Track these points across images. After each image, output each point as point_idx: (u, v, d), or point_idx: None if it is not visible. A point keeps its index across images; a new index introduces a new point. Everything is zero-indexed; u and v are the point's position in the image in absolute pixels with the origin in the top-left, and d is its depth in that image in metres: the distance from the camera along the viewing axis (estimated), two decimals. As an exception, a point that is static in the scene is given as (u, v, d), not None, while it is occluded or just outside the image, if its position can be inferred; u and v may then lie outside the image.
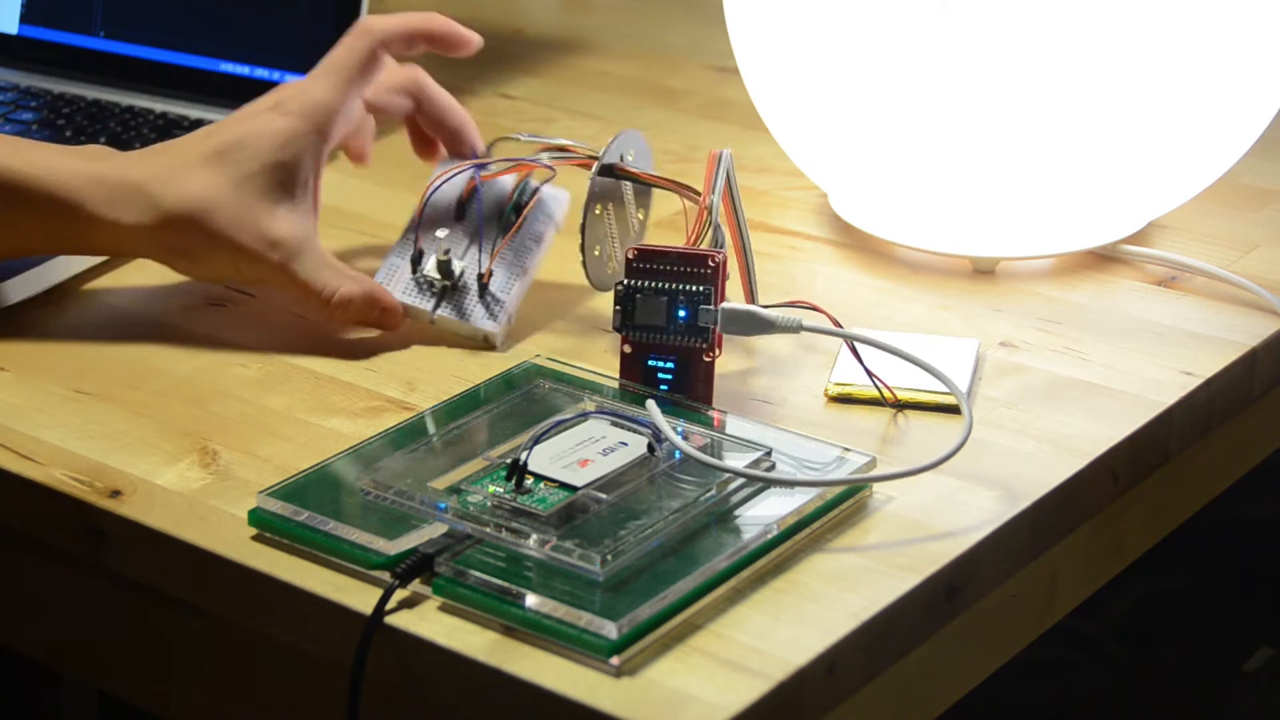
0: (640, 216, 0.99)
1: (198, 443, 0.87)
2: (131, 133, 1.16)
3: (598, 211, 0.95)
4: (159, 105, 1.20)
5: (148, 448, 0.87)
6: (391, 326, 0.95)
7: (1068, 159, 0.98)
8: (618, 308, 0.88)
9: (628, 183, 0.97)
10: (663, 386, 0.88)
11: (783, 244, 1.07)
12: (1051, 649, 1.35)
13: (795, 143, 1.06)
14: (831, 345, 0.94)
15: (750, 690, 0.72)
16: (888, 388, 0.89)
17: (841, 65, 0.98)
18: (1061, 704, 1.36)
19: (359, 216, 1.08)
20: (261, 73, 1.19)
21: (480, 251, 0.96)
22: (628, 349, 0.89)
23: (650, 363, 0.89)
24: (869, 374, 0.89)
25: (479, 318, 0.95)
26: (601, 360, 0.94)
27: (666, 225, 1.03)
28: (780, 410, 0.90)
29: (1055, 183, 0.99)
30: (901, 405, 0.90)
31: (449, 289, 0.95)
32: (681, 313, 0.88)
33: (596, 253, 0.96)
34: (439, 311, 0.95)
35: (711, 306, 0.88)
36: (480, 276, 0.95)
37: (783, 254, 1.06)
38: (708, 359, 0.88)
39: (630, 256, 0.88)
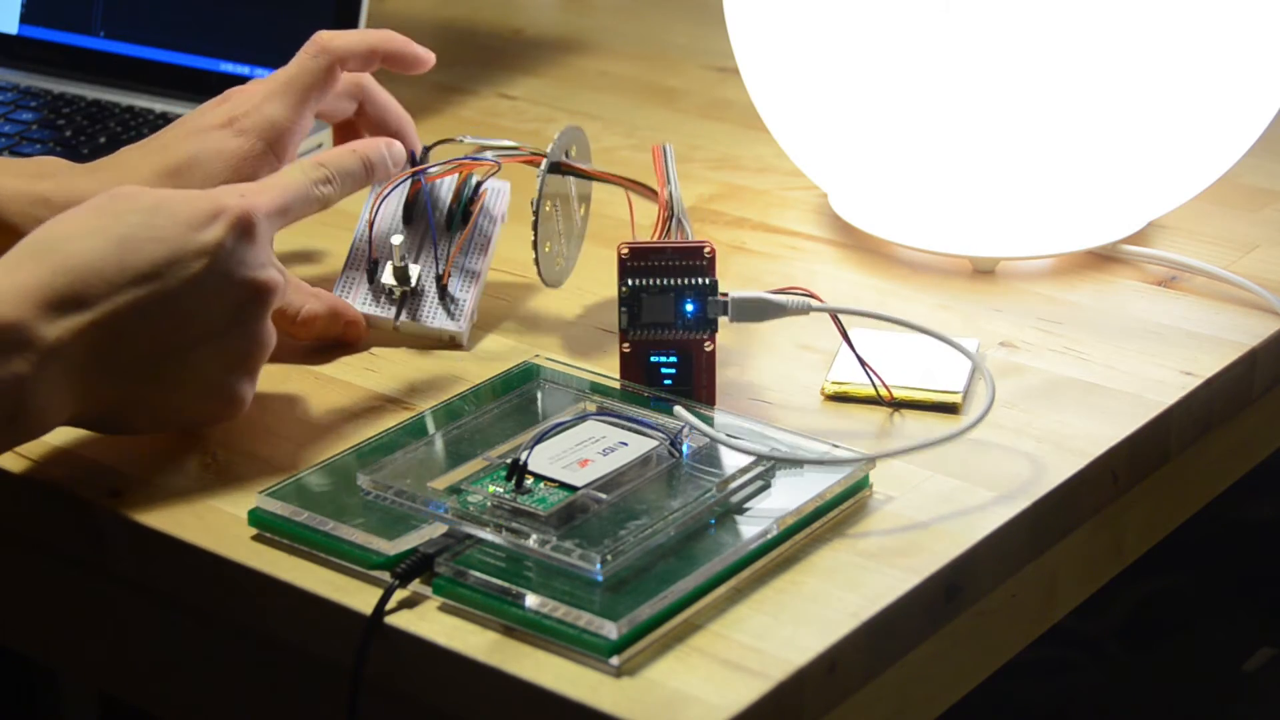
0: (582, 212, 0.99)
1: (198, 443, 0.87)
2: (131, 133, 1.16)
3: (547, 209, 0.95)
4: (159, 105, 1.20)
5: (148, 448, 0.86)
6: (356, 339, 0.95)
7: (1068, 159, 0.98)
8: (624, 309, 0.88)
9: (571, 178, 0.97)
10: (666, 381, 0.89)
11: (783, 244, 1.07)
12: (1051, 649, 1.35)
13: (795, 143, 1.06)
14: (829, 344, 0.94)
15: (750, 690, 0.72)
16: (884, 385, 0.89)
17: (841, 65, 0.98)
18: (1061, 704, 1.36)
19: (356, 217, 1.08)
20: (261, 72, 1.19)
21: (435, 255, 0.97)
22: (627, 348, 0.89)
23: (653, 359, 0.89)
24: (864, 366, 0.89)
25: (442, 320, 0.95)
26: (601, 360, 0.94)
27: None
28: (776, 410, 0.90)
29: (1055, 183, 0.99)
30: (898, 404, 0.90)
31: (408, 294, 0.96)
32: (689, 306, 0.88)
33: (547, 249, 0.96)
34: (401, 318, 0.95)
35: (719, 297, 0.88)
36: (439, 279, 0.96)
37: (783, 254, 1.06)
38: (709, 348, 0.88)
39: (624, 255, 0.88)
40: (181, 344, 0.81)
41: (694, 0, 1.44)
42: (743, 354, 0.94)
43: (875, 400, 0.90)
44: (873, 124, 0.99)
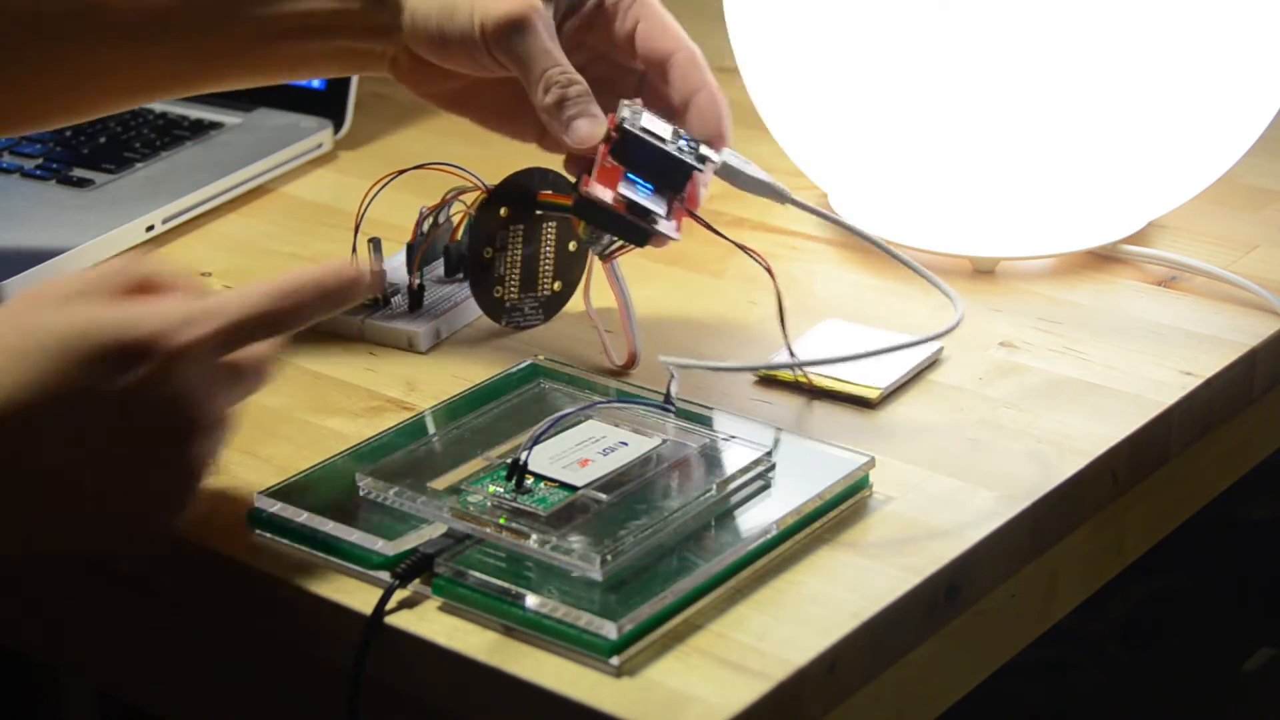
0: (556, 287, 0.97)
1: (198, 443, 0.87)
2: (131, 132, 1.16)
3: (503, 213, 0.94)
4: (159, 105, 1.20)
5: (148, 448, 0.86)
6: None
7: (1068, 159, 0.98)
8: (615, 134, 0.88)
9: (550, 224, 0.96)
10: (641, 193, 0.87)
11: (783, 244, 1.07)
12: (1051, 649, 1.35)
13: (795, 143, 1.06)
14: (794, 331, 0.93)
15: (750, 690, 0.72)
16: (803, 372, 0.90)
17: (841, 65, 0.98)
18: (1061, 704, 1.36)
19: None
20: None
21: (410, 265, 0.97)
22: (609, 144, 0.87)
23: (630, 176, 0.87)
24: (789, 350, 0.90)
25: (403, 321, 0.95)
26: (602, 360, 0.94)
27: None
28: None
29: (1055, 183, 0.99)
30: (818, 391, 0.90)
31: (380, 300, 0.96)
32: (683, 142, 0.88)
33: (487, 254, 0.95)
34: (368, 319, 0.95)
35: (714, 154, 0.89)
36: (409, 286, 0.96)
37: (783, 254, 1.06)
38: (673, 226, 0.88)
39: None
40: (99, 486, 0.75)
41: (694, 0, 1.44)
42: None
43: (799, 386, 0.91)
44: (873, 124, 0.99)
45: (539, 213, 0.95)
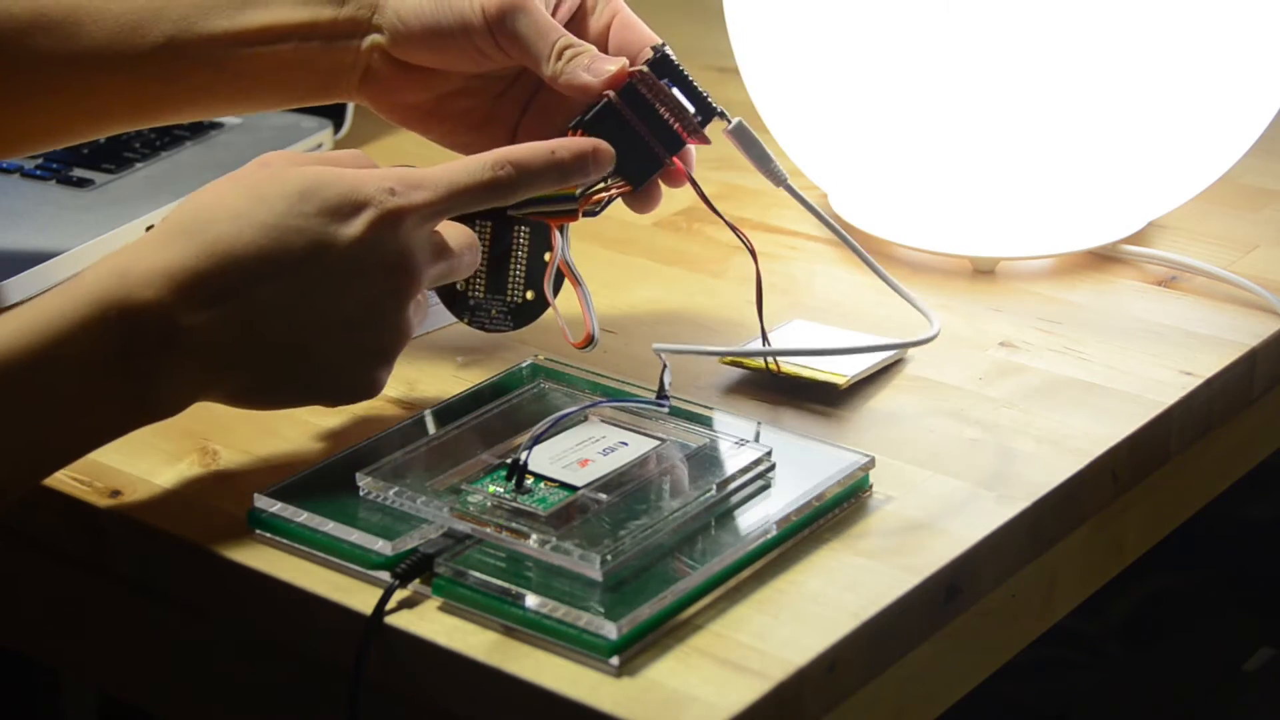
0: (527, 297, 0.94)
1: (197, 442, 0.87)
2: (131, 132, 1.16)
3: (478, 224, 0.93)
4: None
5: (147, 447, 0.86)
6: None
7: (1068, 159, 0.98)
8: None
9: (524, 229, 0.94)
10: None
11: (783, 244, 1.07)
12: (1051, 649, 1.35)
13: (795, 143, 1.06)
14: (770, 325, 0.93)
15: (750, 690, 0.72)
16: (773, 359, 0.91)
17: (841, 65, 0.98)
18: (1061, 704, 1.36)
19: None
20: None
21: None
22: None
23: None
24: (764, 337, 0.90)
25: None
26: (602, 360, 0.94)
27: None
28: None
29: (1055, 183, 0.99)
30: (783, 377, 0.91)
31: None
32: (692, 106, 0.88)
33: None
34: None
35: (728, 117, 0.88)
36: None
37: (783, 254, 1.06)
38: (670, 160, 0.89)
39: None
40: (316, 334, 0.81)
41: (694, 0, 1.44)
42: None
43: (765, 371, 0.91)
44: (873, 124, 0.99)
45: (510, 214, 0.93)
